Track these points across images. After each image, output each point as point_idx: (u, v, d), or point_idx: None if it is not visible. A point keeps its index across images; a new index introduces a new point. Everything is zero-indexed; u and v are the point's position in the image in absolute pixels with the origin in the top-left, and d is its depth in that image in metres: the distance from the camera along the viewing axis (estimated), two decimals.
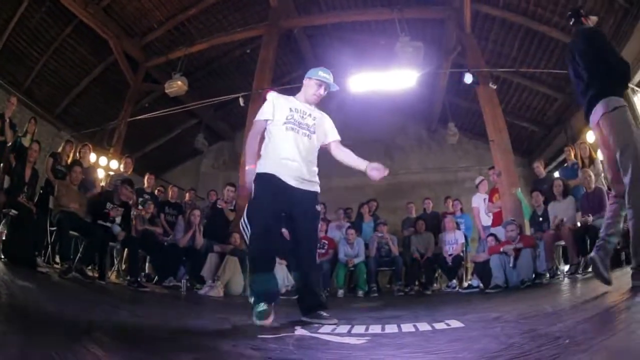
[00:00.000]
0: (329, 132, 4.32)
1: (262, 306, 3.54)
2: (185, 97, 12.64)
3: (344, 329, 3.31)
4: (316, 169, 4.14)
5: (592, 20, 4.78)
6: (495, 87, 10.74)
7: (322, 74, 4.14)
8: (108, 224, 7.58)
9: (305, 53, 14.42)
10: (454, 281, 9.40)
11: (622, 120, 3.87)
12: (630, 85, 9.88)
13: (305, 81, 4.20)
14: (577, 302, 4.22)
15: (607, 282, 3.80)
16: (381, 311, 5.54)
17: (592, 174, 7.88)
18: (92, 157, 10.42)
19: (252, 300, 3.66)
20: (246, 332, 3.24)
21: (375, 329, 3.28)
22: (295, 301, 4.11)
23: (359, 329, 3.30)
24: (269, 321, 3.48)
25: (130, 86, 12.75)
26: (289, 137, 3.95)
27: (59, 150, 9.25)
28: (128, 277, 7.61)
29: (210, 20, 12.86)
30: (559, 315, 3.51)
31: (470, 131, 16.60)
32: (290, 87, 12.19)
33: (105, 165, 11.43)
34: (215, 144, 16.87)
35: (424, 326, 3.32)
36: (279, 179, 3.82)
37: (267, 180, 3.81)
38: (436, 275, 10.12)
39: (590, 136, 10.30)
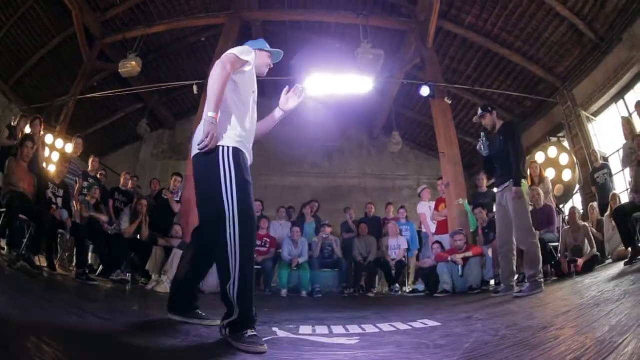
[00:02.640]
0: None
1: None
2: (134, 80, 12.36)
3: (324, 330, 3.34)
4: None
5: (495, 114, 6.37)
6: (450, 102, 11.05)
7: (270, 47, 3.82)
8: (54, 207, 7.16)
9: None
10: (397, 285, 9.54)
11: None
12: (586, 114, 10.54)
13: (258, 52, 3.65)
14: (534, 304, 4.47)
15: None
16: (343, 312, 5.61)
17: (541, 191, 8.31)
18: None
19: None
20: (216, 333, 2.97)
21: (354, 329, 3.36)
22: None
23: (338, 329, 3.36)
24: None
25: (83, 62, 12.22)
26: (254, 110, 3.47)
27: (14, 124, 8.56)
28: (76, 269, 7.14)
29: (172, 2, 12.52)
30: (528, 313, 3.72)
31: (413, 141, 17.21)
32: None
33: (51, 144, 10.64)
34: (156, 131, 16.35)
35: (402, 326, 3.45)
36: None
37: (244, 161, 3.09)
38: (377, 278, 10.23)
39: (540, 156, 10.83)
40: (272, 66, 3.85)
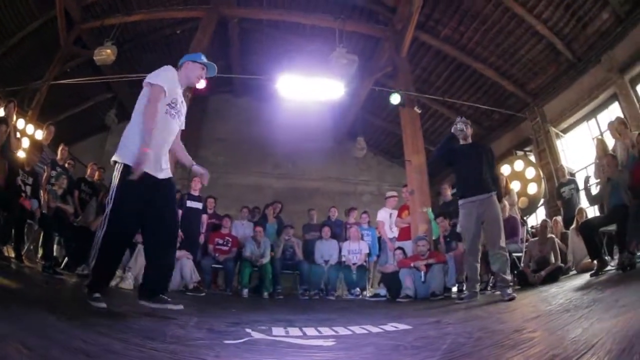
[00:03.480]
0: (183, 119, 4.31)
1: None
2: (106, 69, 12.11)
3: (296, 331, 3.32)
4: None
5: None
6: (420, 111, 11.14)
7: (204, 59, 4.31)
8: (23, 196, 6.99)
9: (233, 44, 14.15)
10: (357, 289, 9.61)
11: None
12: (555, 130, 10.77)
13: (189, 64, 4.25)
14: (501, 309, 4.53)
15: None
16: (310, 314, 5.60)
17: (506, 203, 8.45)
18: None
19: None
20: (192, 334, 3.09)
21: (327, 331, 3.35)
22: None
23: (311, 331, 3.34)
24: None
25: (60, 47, 11.99)
26: (167, 122, 4.01)
27: None
28: (42, 262, 7.00)
29: None
30: (497, 318, 3.75)
31: (376, 148, 17.44)
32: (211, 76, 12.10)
33: (22, 130, 10.24)
34: (122, 122, 15.98)
35: (373, 328, 3.45)
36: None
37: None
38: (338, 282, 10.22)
39: (506, 169, 11.02)
40: (204, 78, 4.36)
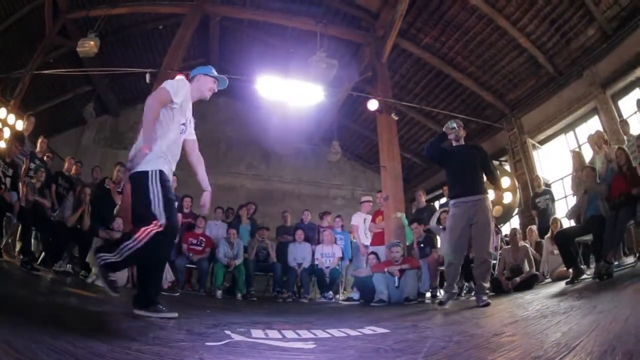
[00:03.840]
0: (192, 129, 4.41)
1: None
2: (87, 61, 11.89)
3: (275, 334, 3.31)
4: None
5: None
6: (397, 118, 11.19)
7: (216, 73, 4.38)
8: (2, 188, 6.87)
9: (212, 43, 14.19)
10: (330, 293, 9.63)
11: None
12: (532, 142, 10.94)
13: (201, 78, 4.33)
14: (478, 314, 4.56)
15: None
16: (286, 316, 5.57)
17: None
18: None
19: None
20: (174, 336, 3.07)
21: (306, 334, 3.35)
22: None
23: (290, 334, 3.34)
24: None
25: (44, 36, 11.73)
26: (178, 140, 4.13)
27: None
28: (21, 256, 6.93)
29: None
30: (475, 322, 3.78)
31: (351, 152, 17.56)
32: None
33: (3, 119, 10.06)
34: (100, 116, 15.70)
35: (351, 332, 3.46)
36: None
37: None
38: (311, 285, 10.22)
39: None
40: (215, 91, 4.40)
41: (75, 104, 14.54)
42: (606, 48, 9.53)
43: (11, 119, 10.30)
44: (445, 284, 6.27)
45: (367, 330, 3.56)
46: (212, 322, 3.69)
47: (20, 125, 10.10)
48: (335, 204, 16.41)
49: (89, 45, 10.32)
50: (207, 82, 4.30)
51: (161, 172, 3.78)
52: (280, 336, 3.21)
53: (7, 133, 9.59)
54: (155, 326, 3.34)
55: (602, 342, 2.17)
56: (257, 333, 3.29)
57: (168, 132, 3.92)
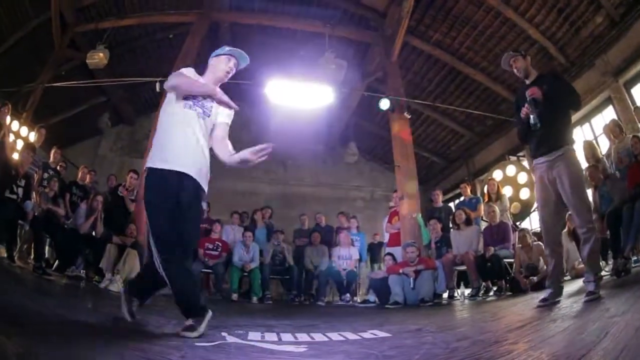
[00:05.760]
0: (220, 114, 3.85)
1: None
2: (99, 72, 12.05)
3: (272, 336, 3.32)
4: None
5: (529, 59, 5.39)
6: (409, 116, 11.07)
7: (229, 48, 3.96)
8: (14, 197, 7.06)
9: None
10: (347, 295, 9.57)
11: None
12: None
13: (213, 60, 3.92)
14: (488, 317, 4.47)
15: None
16: (293, 319, 5.58)
17: (497, 209, 8.45)
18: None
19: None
20: (166, 335, 3.13)
21: (303, 337, 3.35)
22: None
23: (287, 337, 3.35)
24: None
25: (54, 49, 11.86)
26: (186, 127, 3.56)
27: None
28: (33, 262, 7.09)
29: None
30: (481, 327, 3.70)
31: (369, 153, 17.43)
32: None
33: (16, 131, 10.28)
34: (116, 126, 15.93)
35: (351, 335, 3.44)
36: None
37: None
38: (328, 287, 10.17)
39: (498, 174, 11.00)
40: (233, 70, 3.94)
41: (90, 114, 14.67)
42: (615, 35, 9.34)
43: (24, 131, 10.52)
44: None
45: (368, 334, 3.54)
46: (213, 323, 3.65)
47: (33, 136, 10.29)
48: (355, 205, 16.31)
49: (98, 57, 10.44)
50: (219, 62, 3.87)
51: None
52: (276, 339, 3.24)
53: (20, 145, 9.72)
54: (153, 326, 3.44)
55: (606, 355, 2.05)
56: (254, 335, 3.32)
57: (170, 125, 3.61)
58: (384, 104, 10.87)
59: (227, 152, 3.73)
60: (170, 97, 3.59)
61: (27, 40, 11.69)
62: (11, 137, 9.63)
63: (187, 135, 3.46)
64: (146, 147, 12.44)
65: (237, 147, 3.78)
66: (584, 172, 5.03)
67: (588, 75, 10.16)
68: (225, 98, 3.66)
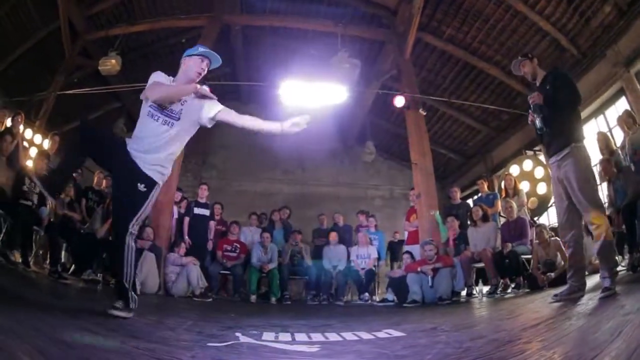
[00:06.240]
0: (206, 108, 3.81)
1: None
2: (113, 79, 12.15)
3: (286, 336, 3.31)
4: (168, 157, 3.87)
5: (536, 61, 5.54)
6: (425, 113, 11.02)
7: (202, 49, 3.95)
8: (29, 203, 7.14)
9: (237, 52, 14.09)
10: (366, 294, 9.56)
11: None
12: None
13: (186, 60, 3.94)
14: (504, 315, 4.44)
15: None
16: (309, 319, 5.59)
17: (514, 204, 8.37)
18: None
19: None
20: (179, 336, 3.15)
21: (317, 337, 3.35)
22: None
23: (301, 336, 3.35)
24: None
25: (65, 57, 12.00)
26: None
27: None
28: (49, 266, 7.18)
29: (154, 1, 12.45)
30: (496, 325, 3.67)
31: (386, 152, 17.29)
32: (219, 83, 12.10)
33: (29, 139, 10.52)
34: (130, 132, 15.97)
35: (365, 335, 3.42)
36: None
37: None
38: (347, 287, 10.18)
39: (515, 169, 10.90)
40: (205, 71, 3.94)
41: (105, 120, 14.77)
42: (624, 25, 9.16)
43: (37, 138, 10.71)
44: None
45: (383, 333, 3.52)
46: (228, 324, 3.69)
47: (47, 144, 10.31)
48: (373, 204, 16.24)
49: (110, 64, 10.52)
50: (192, 63, 3.89)
51: None
52: (290, 339, 3.23)
53: (34, 152, 9.85)
54: (166, 327, 3.45)
55: (618, 355, 2.02)
56: (268, 335, 3.32)
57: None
58: (399, 101, 10.81)
59: (256, 121, 3.99)
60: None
61: (37, 50, 11.89)
62: (25, 145, 9.67)
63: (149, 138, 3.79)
64: None
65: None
66: (593, 168, 4.93)
67: (599, 67, 10.01)
68: (204, 91, 3.70)
